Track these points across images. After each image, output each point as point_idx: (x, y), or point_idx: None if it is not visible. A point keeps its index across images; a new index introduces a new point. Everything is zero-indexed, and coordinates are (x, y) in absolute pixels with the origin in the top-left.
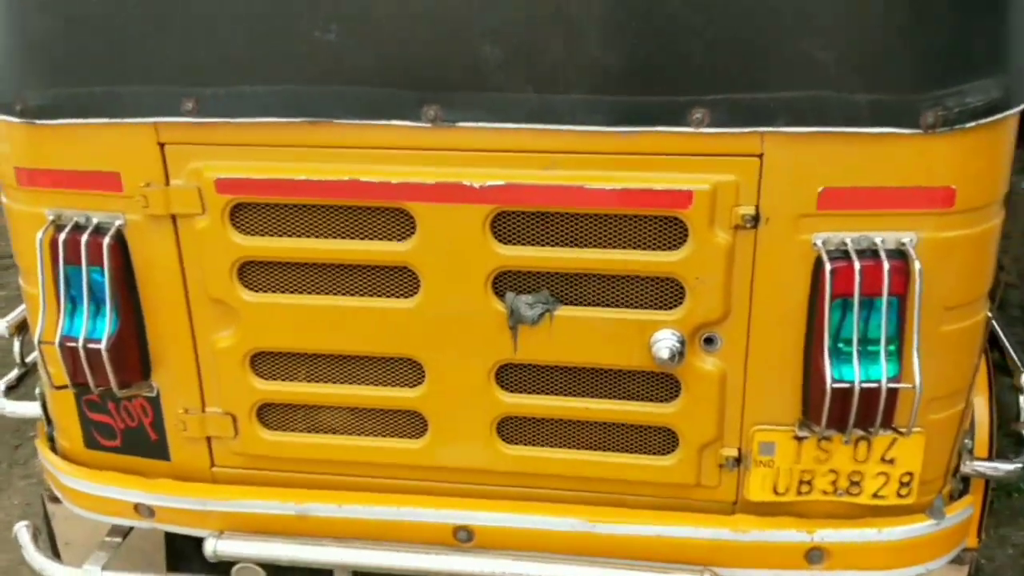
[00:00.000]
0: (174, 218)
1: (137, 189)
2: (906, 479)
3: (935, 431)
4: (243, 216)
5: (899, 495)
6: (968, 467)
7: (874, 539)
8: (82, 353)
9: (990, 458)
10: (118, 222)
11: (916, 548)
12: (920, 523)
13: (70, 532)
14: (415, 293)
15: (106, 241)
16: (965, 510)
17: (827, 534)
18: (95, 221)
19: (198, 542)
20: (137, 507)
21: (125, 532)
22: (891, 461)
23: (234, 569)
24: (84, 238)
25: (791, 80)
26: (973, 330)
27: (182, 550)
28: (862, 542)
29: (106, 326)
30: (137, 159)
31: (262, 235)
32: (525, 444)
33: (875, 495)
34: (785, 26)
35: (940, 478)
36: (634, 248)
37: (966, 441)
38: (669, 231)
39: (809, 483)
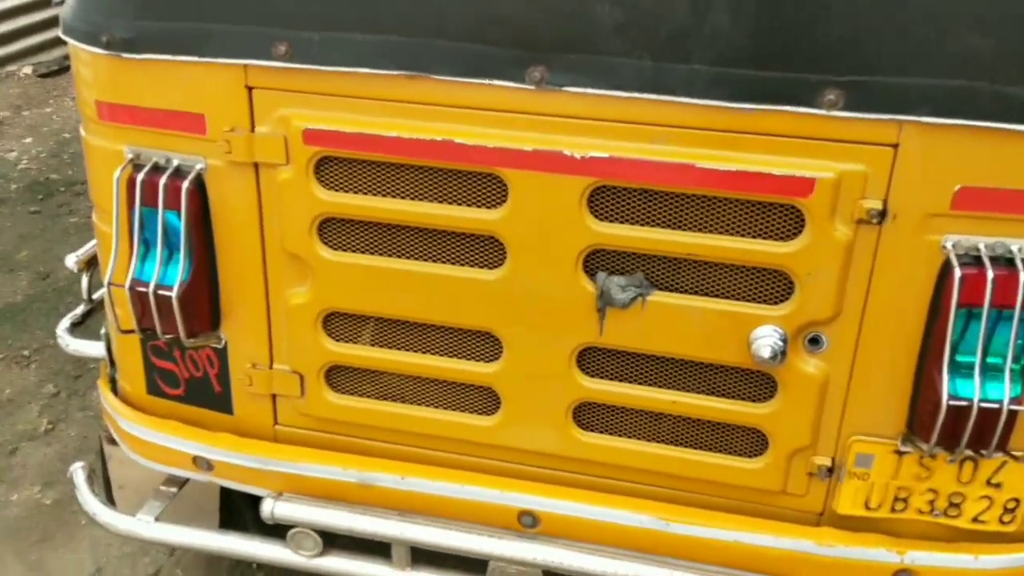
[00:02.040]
0: (256, 166)
1: (221, 133)
2: (1011, 505)
3: None
4: (328, 170)
5: (1001, 521)
6: None
7: (970, 566)
8: (152, 299)
9: None
10: (199, 166)
11: None
12: (1021, 553)
13: (125, 475)
14: (500, 265)
15: (185, 185)
16: None
17: (918, 556)
18: (175, 163)
19: (254, 500)
20: (196, 459)
21: (181, 483)
22: (998, 485)
23: (289, 533)
24: (163, 180)
25: (940, 66)
26: None
27: (237, 507)
28: (956, 568)
29: (178, 273)
30: (223, 102)
31: (346, 191)
32: (602, 432)
33: (975, 519)
34: (939, 6)
35: None
36: (742, 236)
37: None
38: (784, 220)
39: (905, 500)
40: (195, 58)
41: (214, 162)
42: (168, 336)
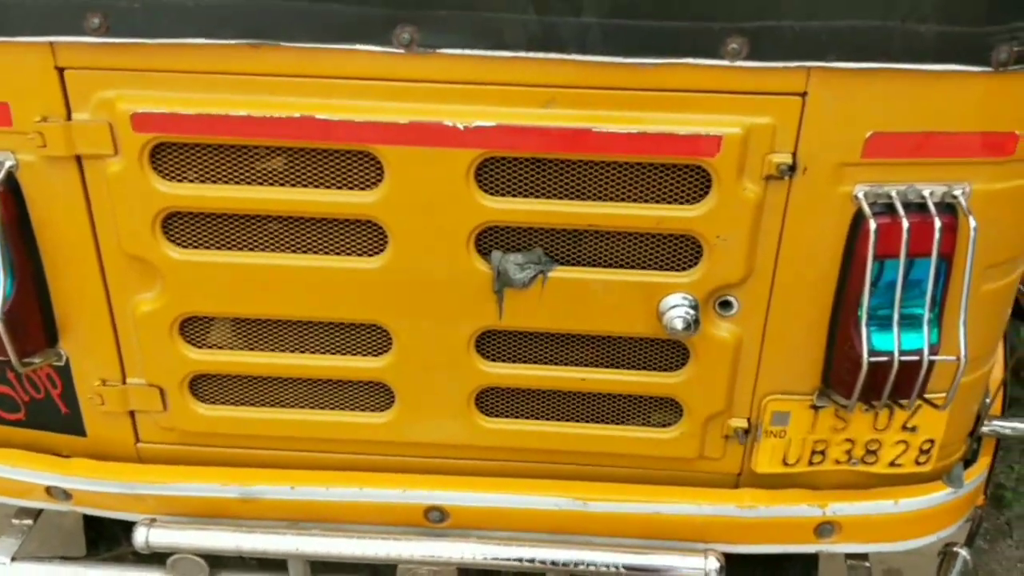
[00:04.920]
0: (79, 159)
1: (31, 124)
2: (926, 447)
3: (961, 396)
4: (167, 159)
5: (917, 463)
6: (988, 428)
7: (890, 511)
8: None
9: (1003, 415)
10: (8, 163)
11: (933, 518)
12: (938, 492)
13: None
14: (381, 251)
15: None
16: (982, 474)
17: (840, 508)
18: None
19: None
20: (50, 489)
21: (36, 512)
22: (913, 429)
23: (170, 560)
24: None
25: (851, 7)
26: (1009, 288)
27: (105, 523)
28: (877, 514)
29: (0, 289)
30: (29, 87)
31: (192, 182)
32: (507, 416)
33: (892, 463)
34: None
35: (959, 442)
36: (645, 202)
37: (986, 400)
38: (689, 182)
39: (822, 453)
40: None
41: (26, 158)
42: None
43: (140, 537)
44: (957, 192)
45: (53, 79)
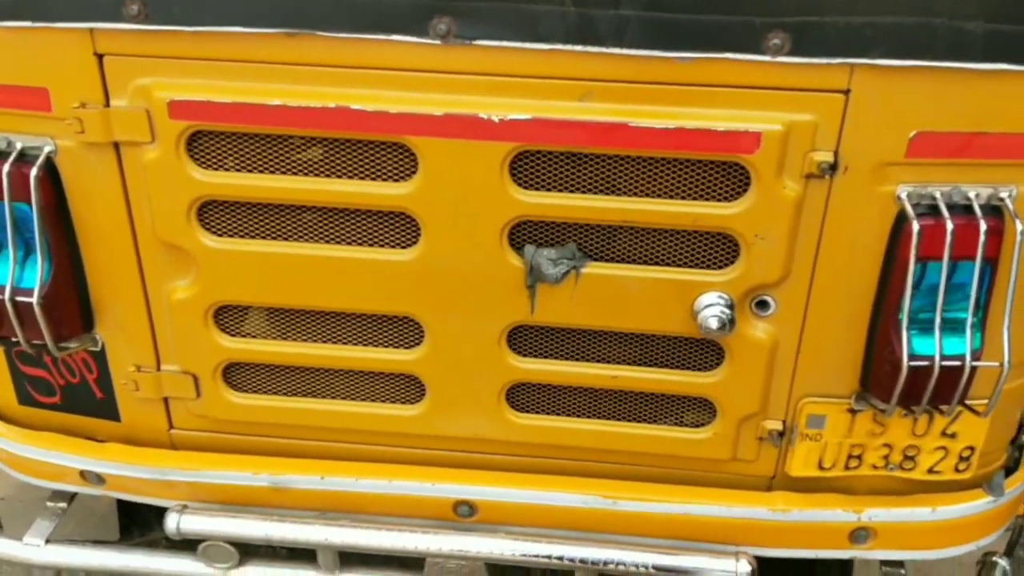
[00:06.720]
0: (117, 146)
1: (69, 110)
2: (966, 454)
3: (1003, 403)
4: (203, 146)
5: (956, 470)
6: None
7: (928, 519)
8: (9, 306)
9: None
10: (47, 148)
11: (971, 526)
12: (978, 500)
13: (4, 486)
14: (414, 243)
15: (33, 172)
16: (1023, 483)
17: (876, 513)
18: (19, 146)
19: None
20: (84, 473)
21: (70, 496)
22: (952, 435)
23: (201, 547)
24: (6, 168)
25: (896, 3)
26: None
27: (139, 508)
28: (914, 522)
29: (37, 273)
30: (69, 73)
31: (227, 170)
32: (538, 412)
33: (930, 470)
34: None
35: (1000, 450)
36: (682, 198)
37: None
38: (727, 179)
39: (859, 458)
40: (30, 23)
41: (65, 143)
42: (34, 344)
43: (171, 523)
44: (1004, 194)
45: (92, 65)
